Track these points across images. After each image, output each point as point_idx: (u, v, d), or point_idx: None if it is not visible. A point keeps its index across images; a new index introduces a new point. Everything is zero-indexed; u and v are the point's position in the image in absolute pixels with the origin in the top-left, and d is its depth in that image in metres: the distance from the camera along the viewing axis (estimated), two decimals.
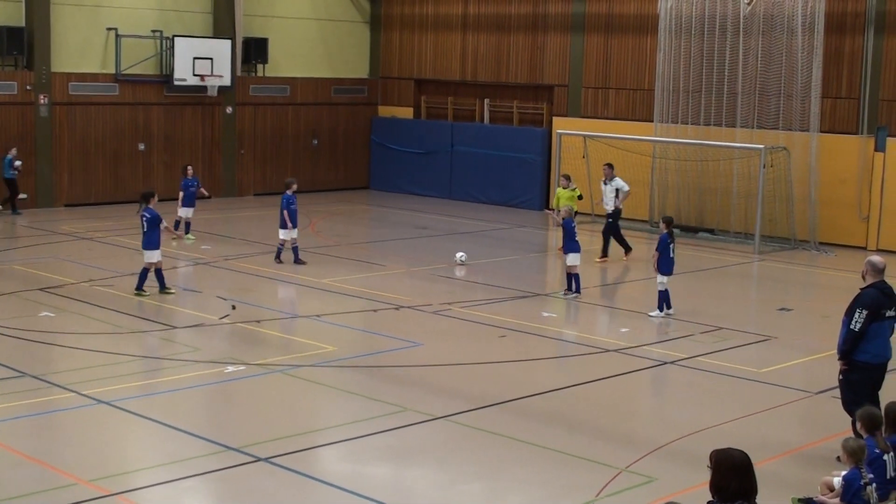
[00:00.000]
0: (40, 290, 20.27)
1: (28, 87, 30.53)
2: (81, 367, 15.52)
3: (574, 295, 20.73)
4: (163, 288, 19.98)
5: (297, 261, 23.32)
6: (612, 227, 24.97)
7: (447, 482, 11.75)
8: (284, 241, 23.40)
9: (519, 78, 34.79)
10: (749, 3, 28.46)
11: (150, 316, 18.61)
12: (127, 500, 10.82)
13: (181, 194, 26.53)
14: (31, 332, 17.16)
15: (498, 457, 12.42)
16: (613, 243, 25.00)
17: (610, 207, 24.99)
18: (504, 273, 23.41)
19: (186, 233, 26.33)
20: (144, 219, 19.91)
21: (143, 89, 32.83)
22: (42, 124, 30.88)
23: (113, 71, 32.14)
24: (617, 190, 25.08)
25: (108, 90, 32.11)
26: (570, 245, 20.73)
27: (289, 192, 23.55)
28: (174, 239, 20.16)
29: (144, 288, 19.88)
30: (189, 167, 27.45)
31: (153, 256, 19.80)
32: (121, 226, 28.09)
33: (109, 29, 31.96)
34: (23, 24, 30.38)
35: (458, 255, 23.93)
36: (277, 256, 23.47)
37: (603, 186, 25.53)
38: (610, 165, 25.88)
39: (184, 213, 26.40)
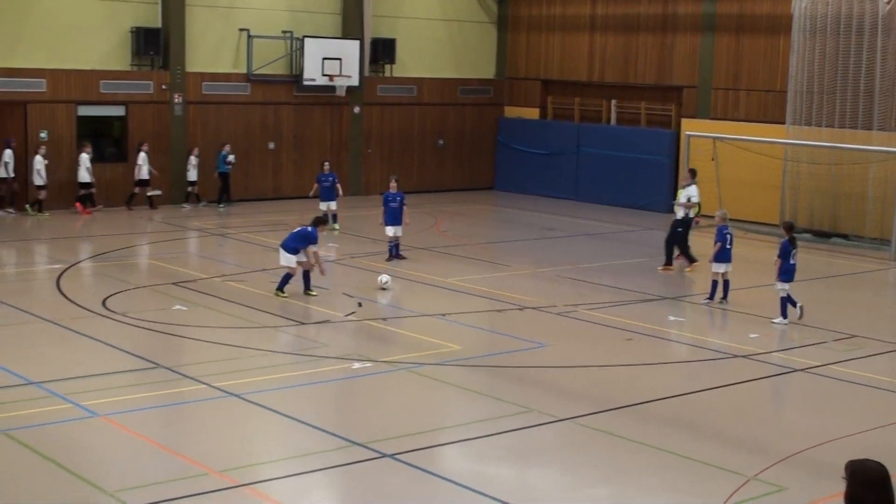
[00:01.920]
0: (173, 284, 20.74)
1: (163, 87, 31.29)
2: (212, 360, 15.83)
3: (721, 301, 20.34)
4: (307, 289, 20.13)
5: (397, 256, 23.69)
6: (678, 237, 23.81)
7: (571, 485, 11.67)
8: (392, 237, 23.71)
9: (647, 79, 34.43)
10: (889, 2, 27.67)
11: (279, 312, 18.88)
12: (255, 492, 11.00)
13: (316, 186, 27.75)
14: (165, 325, 17.57)
15: (623, 461, 12.29)
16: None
17: (679, 215, 24.18)
18: (630, 276, 23.17)
19: (334, 223, 27.28)
20: (305, 229, 20.03)
21: (274, 89, 33.38)
22: (176, 123, 31.62)
23: (245, 71, 32.75)
24: (688, 198, 24.09)
25: (239, 90, 32.73)
26: (719, 252, 20.34)
27: (390, 189, 23.94)
28: (314, 267, 20.08)
29: (284, 290, 19.99)
30: (326, 162, 28.61)
31: (291, 262, 19.95)
32: (251, 222, 28.62)
33: (242, 30, 32.58)
34: (159, 24, 31.15)
35: (381, 278, 21.11)
36: (392, 255, 23.74)
37: (679, 192, 24.61)
38: (691, 171, 24.92)
39: (324, 206, 27.34)
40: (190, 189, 31.49)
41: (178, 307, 18.87)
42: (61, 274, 21.45)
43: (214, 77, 32.27)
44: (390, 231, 23.69)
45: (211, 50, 32.24)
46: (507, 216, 32.79)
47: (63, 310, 18.49)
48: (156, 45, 30.90)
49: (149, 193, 30.56)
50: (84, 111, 30.39)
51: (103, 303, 19.00)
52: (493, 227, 31.58)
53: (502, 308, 19.71)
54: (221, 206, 31.27)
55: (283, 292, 19.81)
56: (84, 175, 29.35)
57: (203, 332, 17.41)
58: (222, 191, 31.54)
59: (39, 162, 28.68)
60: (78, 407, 13.36)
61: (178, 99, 31.55)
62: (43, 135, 29.54)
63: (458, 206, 33.71)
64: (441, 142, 37.04)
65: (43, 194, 28.85)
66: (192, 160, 31.28)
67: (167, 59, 31.28)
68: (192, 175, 31.36)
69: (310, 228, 20.01)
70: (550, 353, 16.82)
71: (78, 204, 29.44)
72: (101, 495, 10.74)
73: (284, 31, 33.34)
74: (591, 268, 23.79)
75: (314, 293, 19.95)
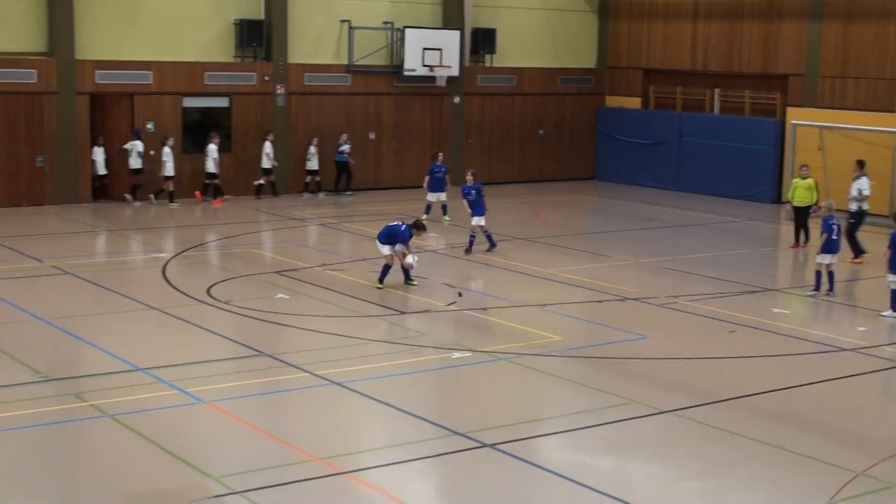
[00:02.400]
0: (276, 272, 21.00)
1: (266, 78, 31.66)
2: (314, 348, 16.00)
3: (827, 293, 19.94)
4: (407, 279, 20.12)
5: (492, 244, 23.44)
6: (849, 228, 23.54)
7: (671, 478, 11.55)
8: (476, 228, 23.48)
9: (751, 67, 33.85)
10: None
11: (380, 301, 18.99)
12: (357, 479, 11.09)
13: (427, 178, 27.43)
14: (268, 314, 17.80)
15: (725, 454, 12.12)
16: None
17: (853, 207, 23.75)
18: (733, 267, 22.83)
19: (444, 214, 27.22)
20: (398, 227, 19.78)
21: (374, 80, 33.56)
22: (279, 114, 31.97)
23: (345, 62, 32.98)
24: (859, 190, 23.84)
25: (340, 80, 32.97)
26: (826, 243, 19.93)
27: (466, 182, 23.87)
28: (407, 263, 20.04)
29: (384, 281, 19.84)
30: (440, 153, 28.57)
31: (385, 251, 19.88)
32: (351, 213, 28.84)
33: (343, 21, 32.81)
34: (262, 16, 31.51)
35: (409, 258, 20.11)
36: (491, 244, 23.56)
37: (851, 184, 24.39)
38: (859, 162, 24.54)
39: (433, 197, 27.27)
40: (309, 178, 32.00)
41: (280, 296, 19.09)
42: (167, 262, 21.86)
43: (316, 68, 32.55)
44: (475, 221, 23.51)
45: (313, 41, 32.53)
46: (608, 206, 32.54)
47: (169, 298, 18.83)
48: (259, 37, 31.28)
49: (256, 182, 31.05)
50: (189, 102, 30.91)
51: (208, 291, 19.32)
52: (594, 217, 31.36)
53: (603, 299, 19.57)
54: (348, 193, 31.95)
55: (381, 284, 19.87)
56: (210, 165, 29.96)
57: (305, 320, 17.59)
58: (337, 179, 31.95)
59: (168, 154, 29.31)
60: (184, 393, 13.61)
61: (280, 90, 31.90)
62: (149, 126, 30.10)
63: (558, 196, 33.56)
64: (541, 132, 36.90)
65: (170, 185, 29.49)
66: (312, 150, 31.86)
67: (270, 50, 31.64)
68: (313, 164, 31.94)
69: (403, 227, 19.88)
70: (652, 344, 16.66)
71: (198, 193, 30.18)
72: (207, 480, 10.92)
73: (385, 22, 33.49)
74: (693, 259, 23.51)
75: (415, 283, 20.02)
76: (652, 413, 13.34)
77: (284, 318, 17.62)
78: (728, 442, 12.47)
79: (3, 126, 28.38)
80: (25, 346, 15.64)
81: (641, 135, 36.05)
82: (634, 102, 36.97)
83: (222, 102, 31.39)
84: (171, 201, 29.29)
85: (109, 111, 30.00)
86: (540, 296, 19.70)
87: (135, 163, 29.43)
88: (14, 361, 14.82)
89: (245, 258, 22.85)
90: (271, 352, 15.64)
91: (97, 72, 29.32)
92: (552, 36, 36.93)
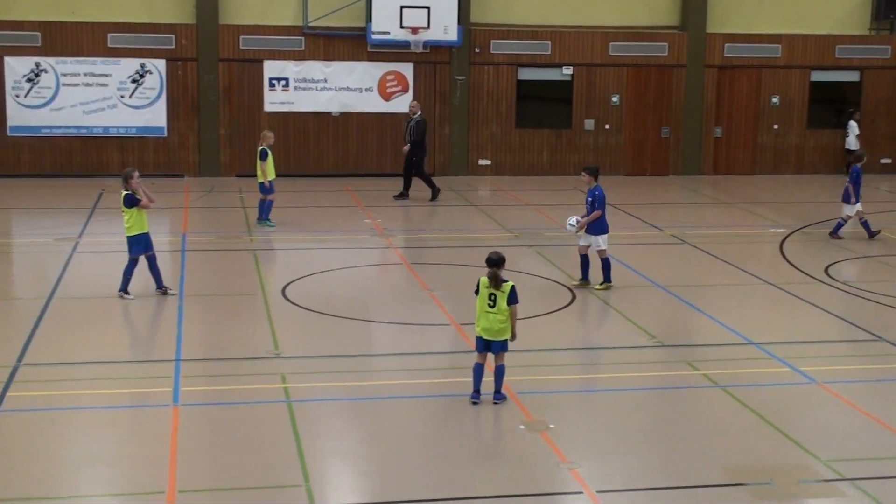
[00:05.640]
0: None
1: None
2: None
3: None
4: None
5: (871, 235, 21.14)
6: None
7: None
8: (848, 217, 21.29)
9: None
10: None
11: None
12: None
13: None
14: (889, 297, 16.91)
15: None
16: None
17: None
18: None
19: None
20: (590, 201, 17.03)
21: None
22: None
23: None
24: None
25: None
26: None
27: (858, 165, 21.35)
28: None
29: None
30: None
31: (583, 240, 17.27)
32: None
33: None
34: None
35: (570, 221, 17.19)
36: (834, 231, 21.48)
37: None
38: None
39: None
40: None
41: None
42: (784, 238, 21.54)
43: None
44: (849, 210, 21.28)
45: None
46: None
47: (785, 274, 18.53)
48: None
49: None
50: (816, 76, 30.22)
51: (826, 270, 18.76)
52: None
53: None
54: None
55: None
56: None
57: None
58: None
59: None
60: (795, 371, 13.31)
61: None
62: (774, 100, 29.89)
63: None
64: None
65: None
66: None
67: None
68: None
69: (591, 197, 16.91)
70: None
71: None
72: (814, 462, 10.58)
73: None
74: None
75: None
76: None
77: None
78: None
79: (633, 97, 29.55)
80: (642, 310, 16.13)
81: None
82: None
83: (852, 76, 30.36)
84: None
85: (735, 84, 30.09)
86: None
87: (851, 143, 29.72)
88: (631, 325, 15.35)
89: (874, 239, 21.88)
90: (891, 338, 14.82)
91: (726, 45, 29.56)
92: None
